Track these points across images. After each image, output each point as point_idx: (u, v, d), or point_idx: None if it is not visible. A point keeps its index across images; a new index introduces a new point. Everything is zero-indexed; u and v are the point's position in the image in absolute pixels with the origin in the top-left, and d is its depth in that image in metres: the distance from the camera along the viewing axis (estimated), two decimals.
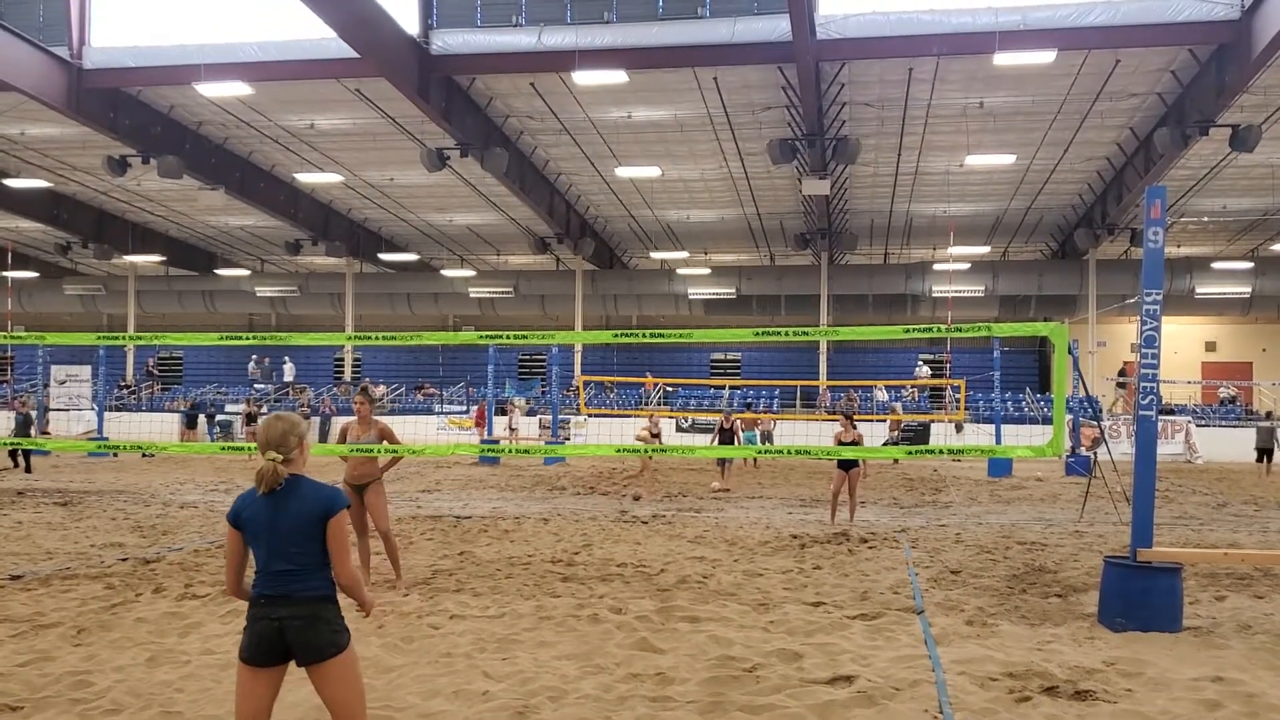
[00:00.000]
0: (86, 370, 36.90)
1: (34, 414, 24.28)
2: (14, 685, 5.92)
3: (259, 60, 23.83)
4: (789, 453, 11.89)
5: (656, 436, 18.80)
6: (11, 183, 32.40)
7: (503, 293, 41.89)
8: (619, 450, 10.33)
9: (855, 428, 14.75)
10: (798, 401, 38.09)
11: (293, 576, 4.00)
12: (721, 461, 19.51)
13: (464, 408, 35.05)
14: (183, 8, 24.42)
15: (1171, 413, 32.78)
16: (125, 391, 41.44)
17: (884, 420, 32.46)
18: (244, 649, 4.04)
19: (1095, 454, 17.64)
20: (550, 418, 29.13)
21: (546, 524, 13.56)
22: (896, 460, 26.35)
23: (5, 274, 40.43)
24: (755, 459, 25.24)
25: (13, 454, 22.19)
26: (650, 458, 17.78)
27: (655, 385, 37.77)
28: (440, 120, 25.00)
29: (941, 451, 10.89)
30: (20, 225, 38.47)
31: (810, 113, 24.08)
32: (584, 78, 22.92)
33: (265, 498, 4.05)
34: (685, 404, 37.70)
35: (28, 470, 21.69)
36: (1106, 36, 21.32)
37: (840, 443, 14.16)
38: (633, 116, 26.62)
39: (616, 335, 11.02)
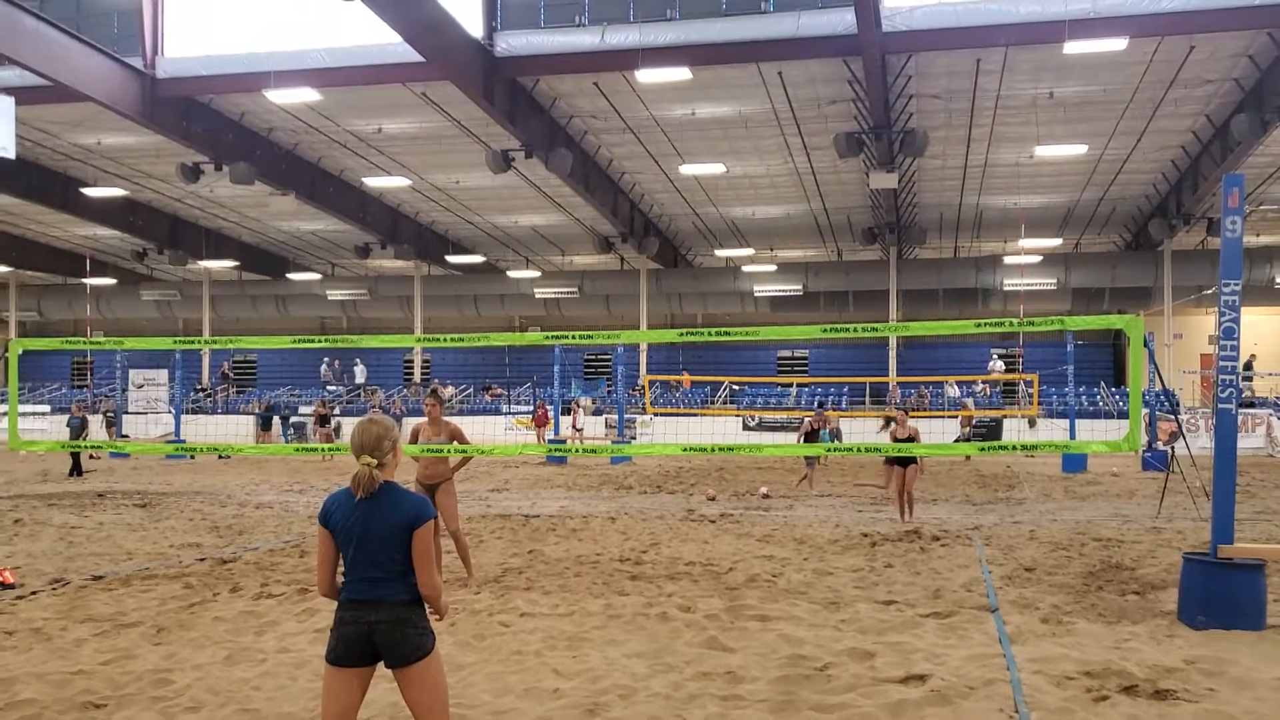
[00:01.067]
0: (163, 374, 37.75)
1: (88, 418, 24.61)
2: (97, 683, 6.06)
3: (327, 66, 24.21)
4: (859, 450, 11.79)
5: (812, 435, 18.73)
6: (90, 191, 33.25)
7: (568, 293, 42.06)
8: (685, 449, 10.32)
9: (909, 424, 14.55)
10: (867, 398, 37.76)
11: (381, 582, 4.02)
12: (810, 461, 19.13)
13: (530, 408, 35.25)
14: (253, 16, 24.88)
15: (1252, 405, 31.95)
16: (201, 395, 42.32)
17: (955, 416, 32.07)
18: (331, 651, 4.07)
19: (1173, 448, 17.27)
20: (616, 417, 29.20)
21: (614, 523, 13.59)
22: (968, 457, 26.01)
23: (85, 281, 41.48)
24: (824, 457, 24.95)
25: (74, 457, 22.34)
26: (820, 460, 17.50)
27: (690, 384, 37.71)
28: (505, 122, 25.17)
29: (1015, 447, 10.72)
30: (98, 233, 39.48)
31: (877, 106, 23.86)
32: (647, 76, 22.91)
33: (357, 502, 4.07)
34: (752, 403, 37.56)
35: (79, 474, 21.71)
36: (1180, 22, 20.82)
37: (895, 439, 13.97)
38: (697, 113, 26.56)
39: (682, 334, 11.00)
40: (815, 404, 32.81)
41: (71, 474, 21.67)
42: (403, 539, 4.04)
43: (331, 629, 4.09)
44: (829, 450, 14.03)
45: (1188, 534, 12.21)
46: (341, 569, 4.14)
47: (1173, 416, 19.54)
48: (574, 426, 32.24)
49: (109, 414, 32.74)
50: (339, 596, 4.12)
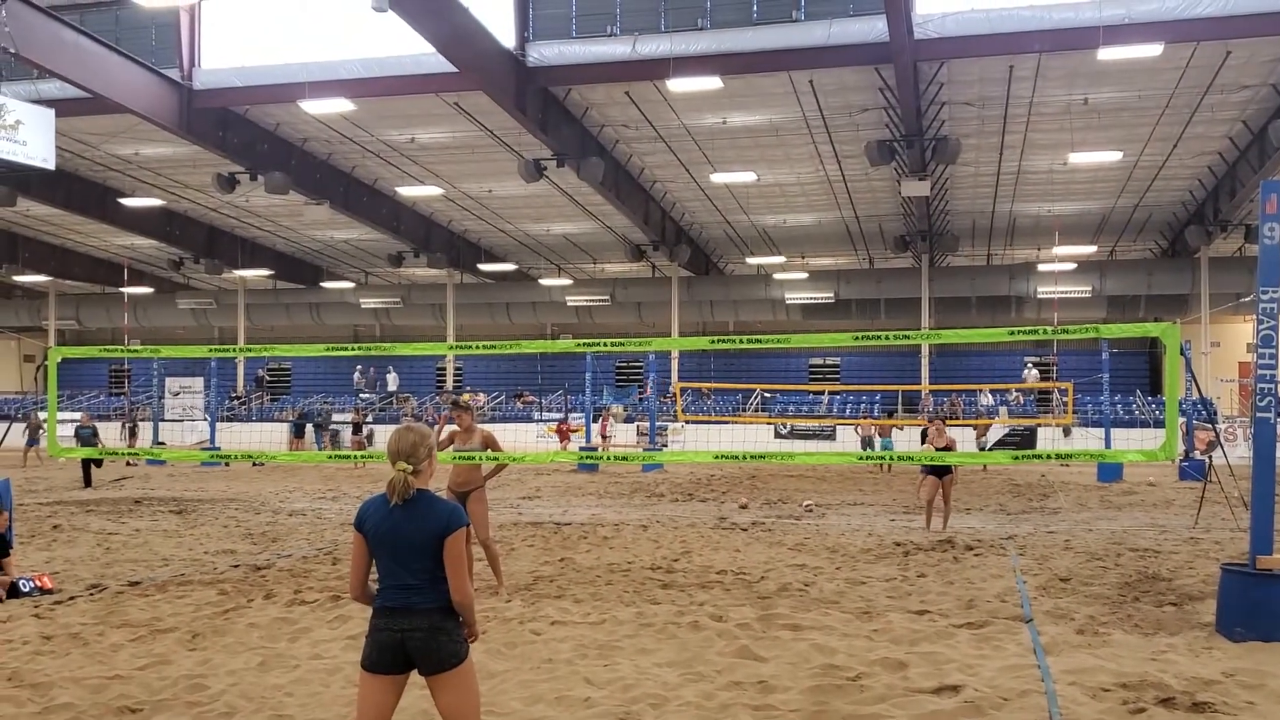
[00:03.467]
0: (199, 382, 38.11)
1: (97, 427, 24.56)
2: (133, 688, 6.12)
3: (361, 77, 24.42)
4: (891, 459, 11.73)
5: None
6: (127, 201, 33.68)
7: (599, 301, 42.11)
8: (717, 457, 10.31)
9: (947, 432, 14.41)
10: (899, 406, 37.57)
11: (414, 590, 4.05)
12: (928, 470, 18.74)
13: (562, 415, 35.31)
14: (287, 28, 25.13)
15: None
16: (236, 402, 42.69)
17: (973, 425, 31.61)
18: (365, 657, 4.10)
19: (1210, 458, 17.05)
20: (648, 424, 29.19)
21: (645, 531, 13.58)
22: (985, 467, 25.47)
23: (122, 290, 41.98)
24: (890, 464, 24.67)
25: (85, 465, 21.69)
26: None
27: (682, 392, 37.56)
28: (537, 131, 25.28)
29: (1049, 456, 10.62)
30: (136, 242, 39.95)
31: (909, 113, 23.77)
32: (679, 85, 22.94)
33: (391, 508, 4.11)
34: (784, 410, 37.46)
35: (88, 485, 21.03)
36: (1217, 27, 20.62)
37: (935, 448, 13.85)
38: (728, 122, 26.57)
39: (713, 341, 11.01)
40: (941, 411, 32.47)
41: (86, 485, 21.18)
42: (435, 546, 4.06)
43: (367, 635, 4.12)
44: (893, 459, 13.86)
45: (1226, 545, 12.06)
46: (375, 576, 4.17)
47: (1210, 425, 19.31)
48: (602, 435, 32.24)
49: (131, 424, 32.88)
50: (373, 603, 4.14)
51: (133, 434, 32.22)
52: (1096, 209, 34.21)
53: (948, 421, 16.67)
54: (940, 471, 13.69)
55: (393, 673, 4.09)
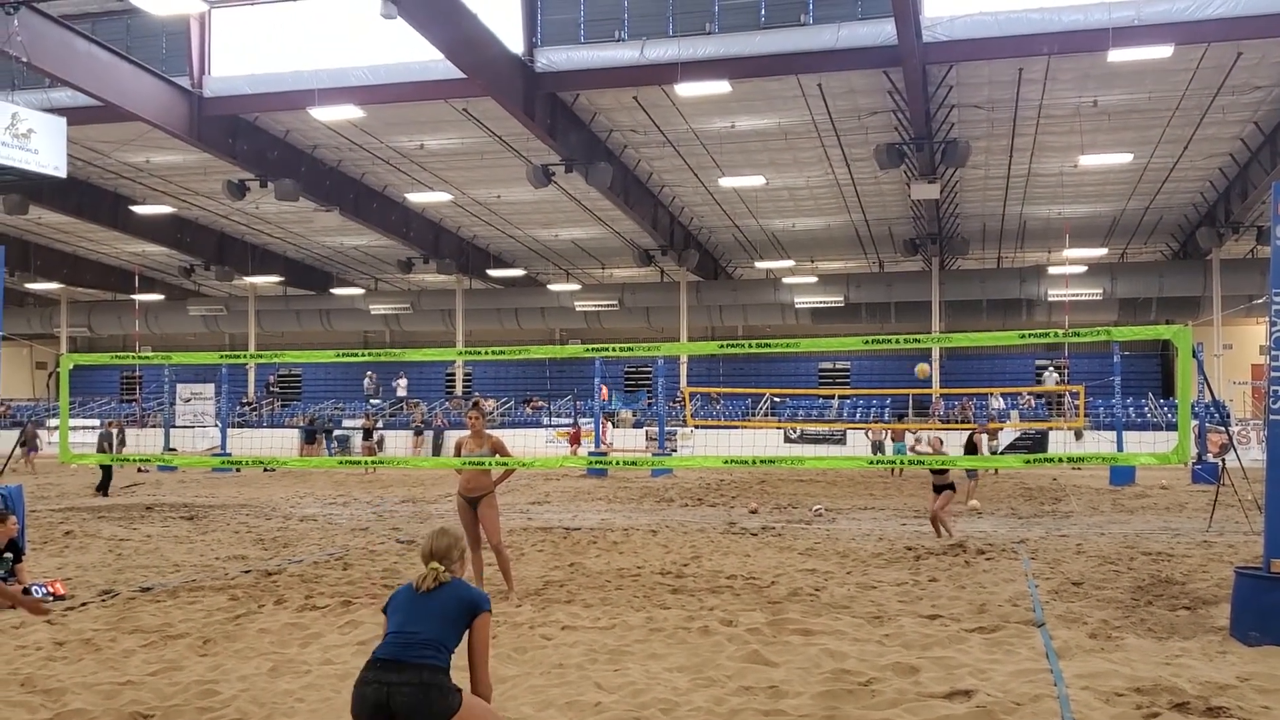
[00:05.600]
0: (210, 388, 38.20)
1: (115, 433, 24.52)
2: (145, 694, 6.13)
3: (370, 84, 24.49)
4: (901, 463, 11.71)
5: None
6: (138, 209, 33.79)
7: (608, 306, 42.11)
8: (726, 462, 10.27)
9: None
10: (910, 411, 37.48)
11: (414, 646, 3.97)
12: (971, 474, 18.60)
13: (571, 420, 35.32)
14: (297, 36, 25.20)
15: None
16: (247, 408, 42.78)
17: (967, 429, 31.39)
18: (351, 706, 4.03)
19: (1223, 461, 16.99)
20: (657, 429, 29.18)
21: (655, 536, 13.57)
22: (996, 470, 25.19)
23: (134, 297, 42.13)
24: (901, 469, 24.65)
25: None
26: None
27: (609, 396, 37.61)
28: (545, 137, 25.31)
29: (1061, 459, 10.58)
30: (147, 249, 40.09)
31: (918, 116, 23.74)
32: (687, 89, 22.94)
33: (419, 594, 4.14)
34: (793, 415, 37.42)
35: (101, 491, 20.62)
36: (1228, 28, 20.56)
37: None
38: (736, 126, 26.57)
39: (722, 346, 10.97)
40: (986, 417, 32.37)
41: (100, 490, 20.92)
42: (456, 615, 4.08)
43: (355, 685, 4.03)
44: (904, 463, 13.75)
45: (1239, 548, 12.00)
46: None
47: (1223, 428, 19.22)
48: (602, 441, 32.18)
49: (119, 430, 31.70)
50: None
51: (121, 443, 31.72)
52: (1107, 211, 34.12)
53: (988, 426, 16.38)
54: (941, 486, 13.39)
55: None
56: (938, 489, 13.41)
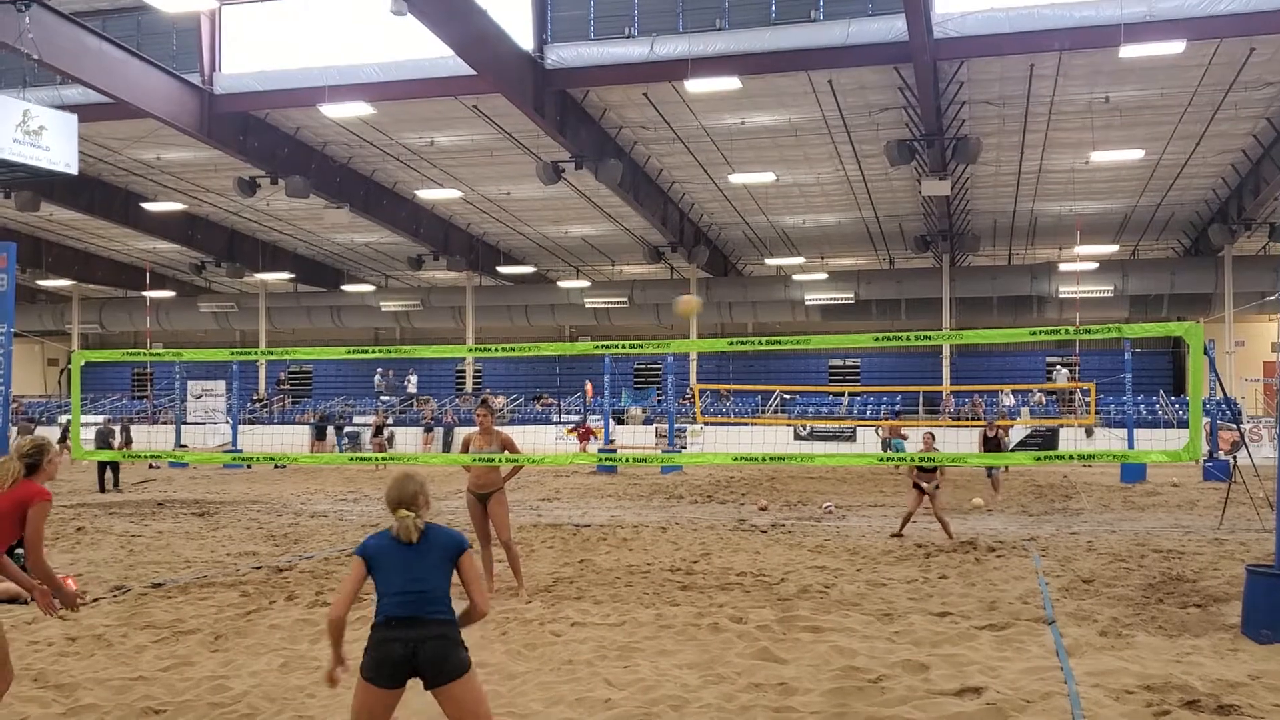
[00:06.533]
0: (221, 385, 38.31)
1: (117, 429, 24.44)
2: (157, 689, 6.15)
3: (380, 80, 24.52)
4: (912, 460, 11.69)
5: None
6: (149, 206, 33.92)
7: (618, 303, 42.11)
8: (736, 459, 10.30)
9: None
10: (920, 408, 37.42)
11: (426, 600, 4.14)
12: (991, 471, 18.48)
13: (581, 417, 35.32)
14: (307, 33, 25.24)
15: None
16: (258, 405, 42.89)
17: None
18: (368, 669, 4.13)
19: (1235, 458, 16.93)
20: (667, 426, 29.17)
21: (665, 532, 13.56)
22: (1006, 468, 24.88)
23: (145, 294, 42.29)
24: (898, 466, 24.60)
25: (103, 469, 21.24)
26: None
27: (594, 395, 37.66)
28: (555, 134, 25.32)
29: (1072, 457, 10.55)
30: (158, 246, 40.21)
31: (928, 113, 23.69)
32: (697, 86, 22.93)
33: (403, 545, 4.24)
34: (803, 412, 37.38)
35: (101, 489, 20.64)
36: (1240, 23, 20.46)
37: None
38: (746, 122, 26.54)
39: (732, 343, 10.99)
40: (1000, 413, 32.28)
41: (111, 487, 21.06)
42: (446, 564, 4.25)
43: (367, 648, 4.15)
44: (912, 460, 13.67)
45: (1251, 546, 11.95)
46: (374, 595, 4.25)
47: (1234, 425, 19.14)
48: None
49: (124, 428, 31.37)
50: (342, 631, 4.30)
51: (127, 442, 31.61)
52: (1118, 208, 34.01)
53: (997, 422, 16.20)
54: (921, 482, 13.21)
55: (395, 686, 4.12)
56: (919, 486, 13.24)
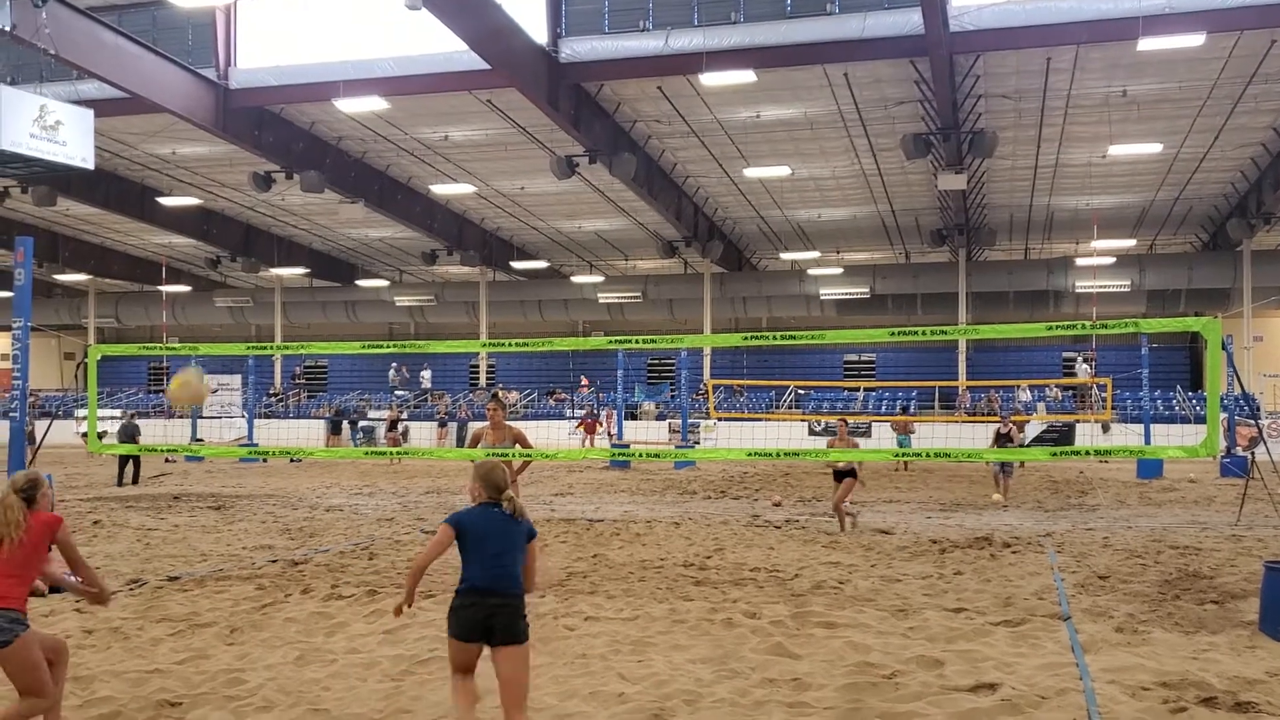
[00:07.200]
0: (237, 379, 38.45)
1: (138, 423, 24.40)
2: (173, 682, 6.17)
3: (395, 75, 24.54)
4: (927, 455, 11.64)
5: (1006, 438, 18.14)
6: (165, 200, 34.05)
7: (631, 297, 42.10)
8: (750, 454, 10.26)
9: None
10: (936, 403, 37.30)
11: (505, 577, 4.87)
12: (1005, 468, 18.05)
13: (587, 410, 35.34)
14: (322, 28, 25.29)
15: None
16: (273, 399, 43.04)
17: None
18: (453, 627, 4.86)
19: (1253, 454, 16.83)
20: (680, 422, 29.15)
21: (678, 528, 13.54)
22: (1023, 463, 24.63)
23: (161, 288, 42.47)
24: (906, 462, 24.58)
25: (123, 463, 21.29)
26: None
27: (590, 388, 37.66)
28: (569, 128, 25.30)
29: (1088, 452, 10.49)
30: (173, 241, 40.39)
31: (944, 106, 23.60)
32: (711, 79, 22.88)
33: (494, 516, 4.96)
34: (818, 407, 37.32)
35: (119, 483, 20.65)
36: (1261, 16, 20.32)
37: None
38: (761, 116, 26.47)
39: (746, 338, 10.96)
40: (1012, 408, 32.17)
41: (131, 481, 21.06)
42: (524, 546, 5.01)
43: (452, 610, 4.86)
44: (907, 455, 13.67)
45: (1269, 542, 11.87)
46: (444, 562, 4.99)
47: (1252, 421, 19.02)
48: (608, 432, 32.16)
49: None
50: (460, 585, 4.87)
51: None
52: (1136, 202, 33.82)
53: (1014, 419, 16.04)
54: (841, 474, 13.01)
55: (475, 641, 4.84)
56: (839, 475, 13.03)
